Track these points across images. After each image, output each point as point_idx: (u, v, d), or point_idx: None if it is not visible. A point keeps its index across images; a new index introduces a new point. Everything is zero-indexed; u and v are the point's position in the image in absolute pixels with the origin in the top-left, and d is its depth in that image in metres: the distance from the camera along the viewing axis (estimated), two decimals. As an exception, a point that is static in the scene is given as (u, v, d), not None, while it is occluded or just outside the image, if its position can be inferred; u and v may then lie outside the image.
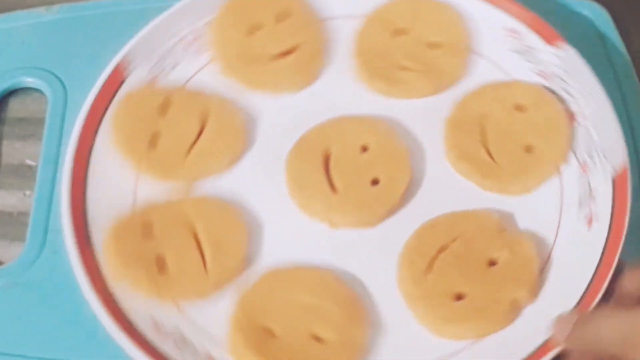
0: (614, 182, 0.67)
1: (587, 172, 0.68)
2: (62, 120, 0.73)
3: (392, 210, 0.68)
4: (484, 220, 0.67)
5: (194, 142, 0.71)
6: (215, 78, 0.74)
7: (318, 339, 0.63)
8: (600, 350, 0.57)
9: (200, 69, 0.74)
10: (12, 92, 0.76)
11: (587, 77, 0.70)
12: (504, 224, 0.67)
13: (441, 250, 0.66)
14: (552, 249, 0.66)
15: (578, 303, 0.63)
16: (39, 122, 0.74)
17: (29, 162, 0.73)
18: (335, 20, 0.76)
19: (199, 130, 0.71)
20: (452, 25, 0.75)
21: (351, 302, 0.64)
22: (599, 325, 0.57)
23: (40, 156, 0.72)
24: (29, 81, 0.76)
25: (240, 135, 0.71)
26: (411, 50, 0.74)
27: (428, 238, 0.66)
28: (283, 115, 0.73)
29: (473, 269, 0.65)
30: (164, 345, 0.63)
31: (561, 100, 0.71)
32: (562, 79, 0.72)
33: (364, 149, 0.70)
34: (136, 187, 0.69)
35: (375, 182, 0.69)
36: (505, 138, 0.70)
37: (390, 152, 0.70)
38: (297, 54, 0.74)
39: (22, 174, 0.73)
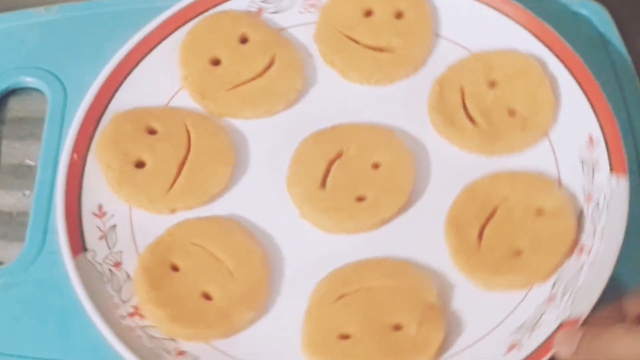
0: (560, 325, 0.62)
1: (549, 305, 0.64)
2: (62, 120, 0.74)
3: (357, 231, 0.68)
4: (420, 287, 0.65)
5: (246, 82, 0.73)
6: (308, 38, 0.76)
7: (208, 296, 0.66)
8: None
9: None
10: (11, 92, 0.77)
11: (618, 225, 0.65)
12: (438, 300, 0.64)
13: (366, 289, 0.65)
14: (461, 351, 0.64)
15: None
16: (39, 122, 0.74)
17: (28, 162, 0.73)
18: (445, 40, 0.76)
19: (261, 71, 0.74)
20: (542, 105, 0.71)
21: (257, 285, 0.66)
22: (612, 343, 0.56)
23: (39, 156, 0.72)
24: (29, 81, 0.76)
25: (290, 94, 0.73)
26: (488, 105, 0.72)
27: (361, 272, 0.66)
28: (339, 99, 0.74)
29: (372, 320, 0.64)
30: (91, 228, 0.67)
31: (581, 228, 0.67)
32: (598, 210, 0.67)
33: (375, 166, 0.70)
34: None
35: (361, 198, 0.68)
36: (502, 231, 0.67)
37: (394, 183, 0.69)
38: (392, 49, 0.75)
39: (22, 174, 0.73)
